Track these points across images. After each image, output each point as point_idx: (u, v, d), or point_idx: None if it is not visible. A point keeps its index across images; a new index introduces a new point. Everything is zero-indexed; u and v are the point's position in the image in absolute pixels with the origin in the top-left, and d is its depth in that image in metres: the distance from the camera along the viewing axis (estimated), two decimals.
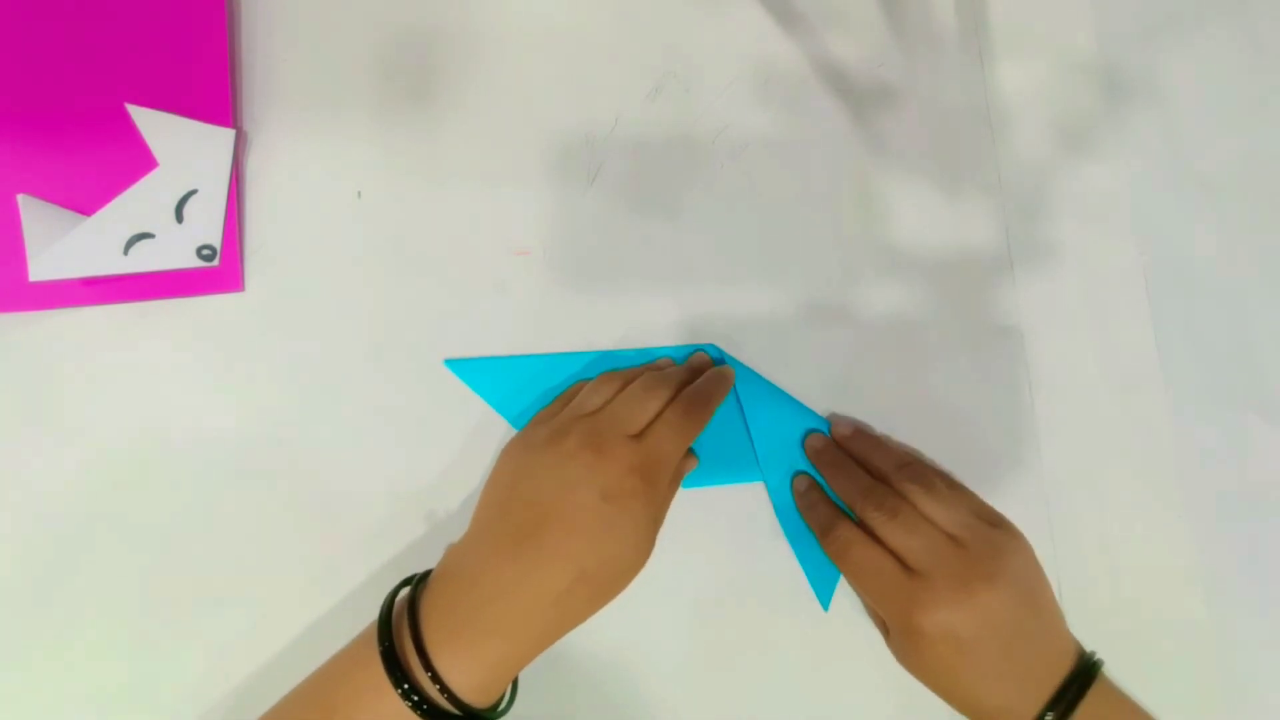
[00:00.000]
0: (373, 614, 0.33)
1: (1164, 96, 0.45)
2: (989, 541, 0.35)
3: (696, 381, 0.38)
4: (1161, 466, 0.42)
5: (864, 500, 0.37)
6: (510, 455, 0.36)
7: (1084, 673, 0.33)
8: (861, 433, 0.40)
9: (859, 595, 0.39)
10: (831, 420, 0.41)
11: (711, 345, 0.41)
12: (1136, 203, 0.44)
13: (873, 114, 0.44)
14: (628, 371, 0.39)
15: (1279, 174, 0.45)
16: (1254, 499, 0.42)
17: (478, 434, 0.39)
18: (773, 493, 0.40)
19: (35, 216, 0.37)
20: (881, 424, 0.41)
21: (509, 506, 0.34)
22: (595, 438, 0.34)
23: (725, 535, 0.40)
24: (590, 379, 0.39)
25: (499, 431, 0.40)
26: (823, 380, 0.41)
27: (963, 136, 0.44)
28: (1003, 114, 0.44)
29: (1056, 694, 0.32)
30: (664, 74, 0.43)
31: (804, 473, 0.40)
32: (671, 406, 0.36)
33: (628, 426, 0.34)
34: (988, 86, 0.44)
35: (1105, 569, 0.41)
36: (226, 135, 0.39)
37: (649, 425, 0.35)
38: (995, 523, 0.36)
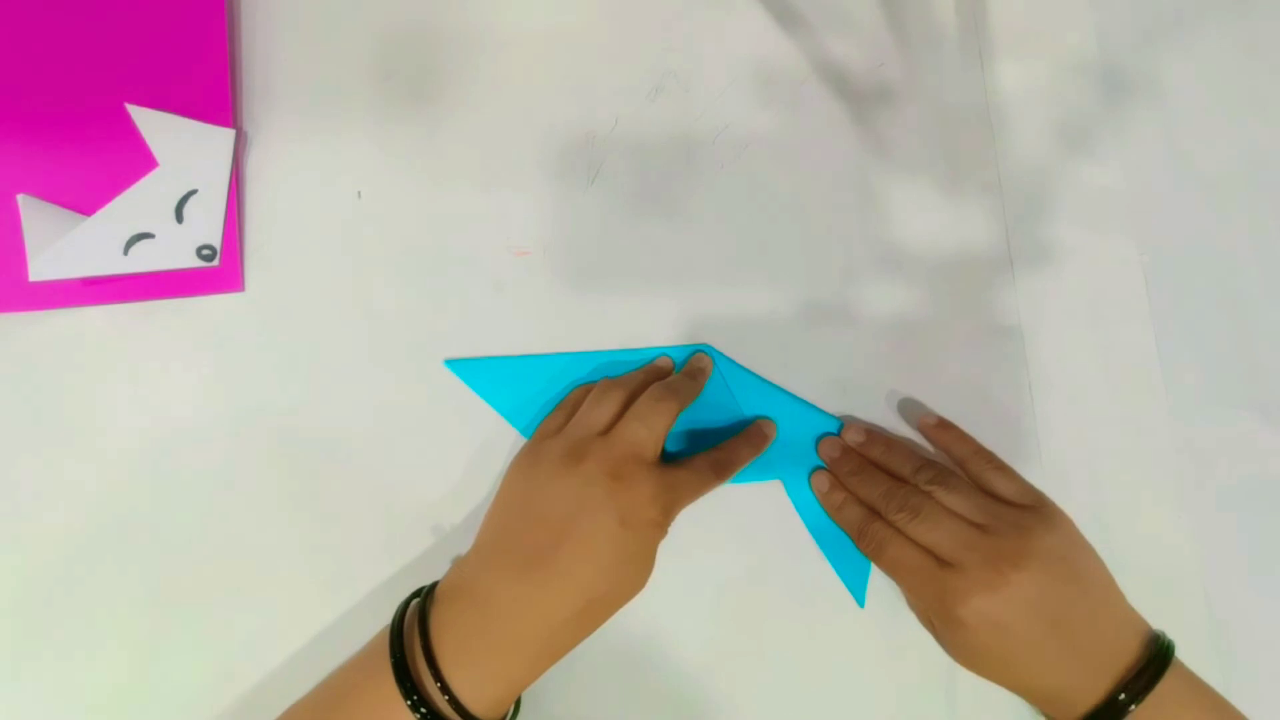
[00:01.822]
0: (377, 622, 0.34)
1: (1164, 96, 0.45)
2: (1015, 524, 0.35)
3: (734, 441, 0.38)
4: (1161, 466, 0.42)
5: (886, 503, 0.37)
6: (521, 472, 0.36)
7: (1158, 656, 0.33)
8: (875, 436, 0.40)
9: (903, 594, 0.39)
10: (844, 425, 0.40)
11: (706, 345, 0.41)
12: (1136, 203, 0.44)
13: (873, 114, 0.44)
14: (628, 379, 0.38)
15: (1279, 174, 0.45)
16: (1254, 498, 0.42)
17: (478, 435, 0.39)
18: (791, 492, 0.40)
19: (35, 216, 0.37)
20: (882, 425, 0.41)
21: (521, 525, 0.34)
22: (615, 463, 0.34)
23: (743, 531, 0.40)
24: (590, 382, 0.39)
25: (500, 434, 0.40)
26: (823, 380, 0.41)
27: (963, 136, 0.44)
28: (1003, 114, 0.44)
29: (1129, 677, 0.32)
30: (664, 74, 0.43)
31: (821, 469, 0.40)
32: (705, 456, 0.37)
33: (643, 449, 0.35)
34: (988, 86, 0.44)
35: None
36: (226, 135, 0.39)
37: (677, 465, 0.36)
38: (1027, 503, 0.36)
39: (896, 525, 0.36)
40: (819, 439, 0.40)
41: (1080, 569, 0.35)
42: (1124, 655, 0.33)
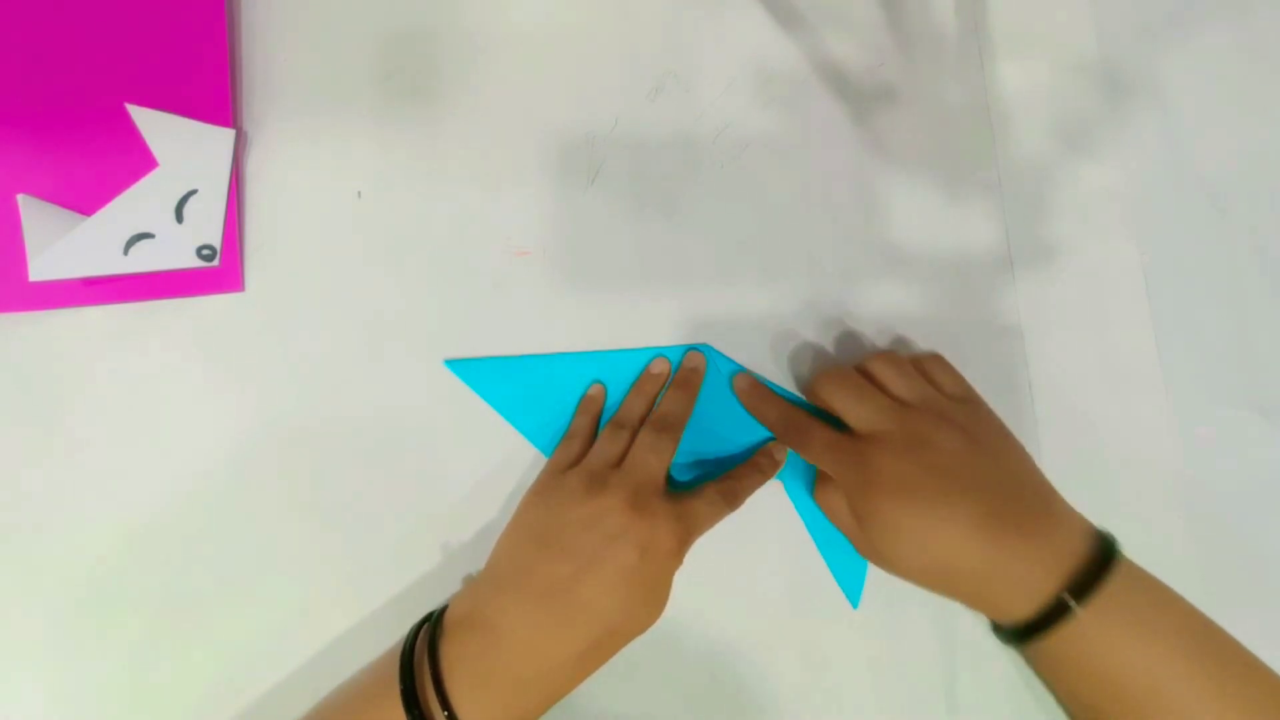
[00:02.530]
0: (381, 637, 0.34)
1: (1164, 96, 0.45)
2: (941, 405, 0.35)
3: (743, 468, 0.38)
4: (1161, 466, 0.42)
5: (824, 380, 0.37)
6: (538, 502, 0.36)
7: (1103, 553, 0.32)
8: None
9: (824, 491, 0.38)
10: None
11: (706, 345, 0.41)
12: (1136, 203, 0.44)
13: (873, 114, 0.44)
14: (629, 410, 0.39)
15: (1279, 174, 0.45)
16: (1254, 499, 0.42)
17: (479, 438, 0.39)
18: (790, 492, 0.40)
19: (35, 216, 0.37)
20: None
21: (538, 555, 0.34)
22: (633, 493, 0.34)
23: (743, 531, 0.40)
24: (588, 385, 0.40)
25: (502, 436, 0.40)
26: None
27: (963, 136, 0.44)
28: (1003, 114, 0.44)
29: (1074, 574, 0.31)
30: (664, 74, 0.43)
31: (742, 371, 0.40)
32: (716, 485, 0.37)
33: (657, 479, 0.35)
34: (988, 86, 0.44)
35: None
36: (226, 135, 0.39)
37: (691, 495, 0.36)
38: (961, 397, 0.36)
39: (826, 396, 0.36)
40: (733, 375, 0.40)
41: (1011, 454, 0.34)
42: (1068, 552, 0.32)
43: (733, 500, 0.37)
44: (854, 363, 0.39)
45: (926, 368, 0.37)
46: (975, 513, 0.32)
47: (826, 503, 0.38)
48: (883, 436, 0.34)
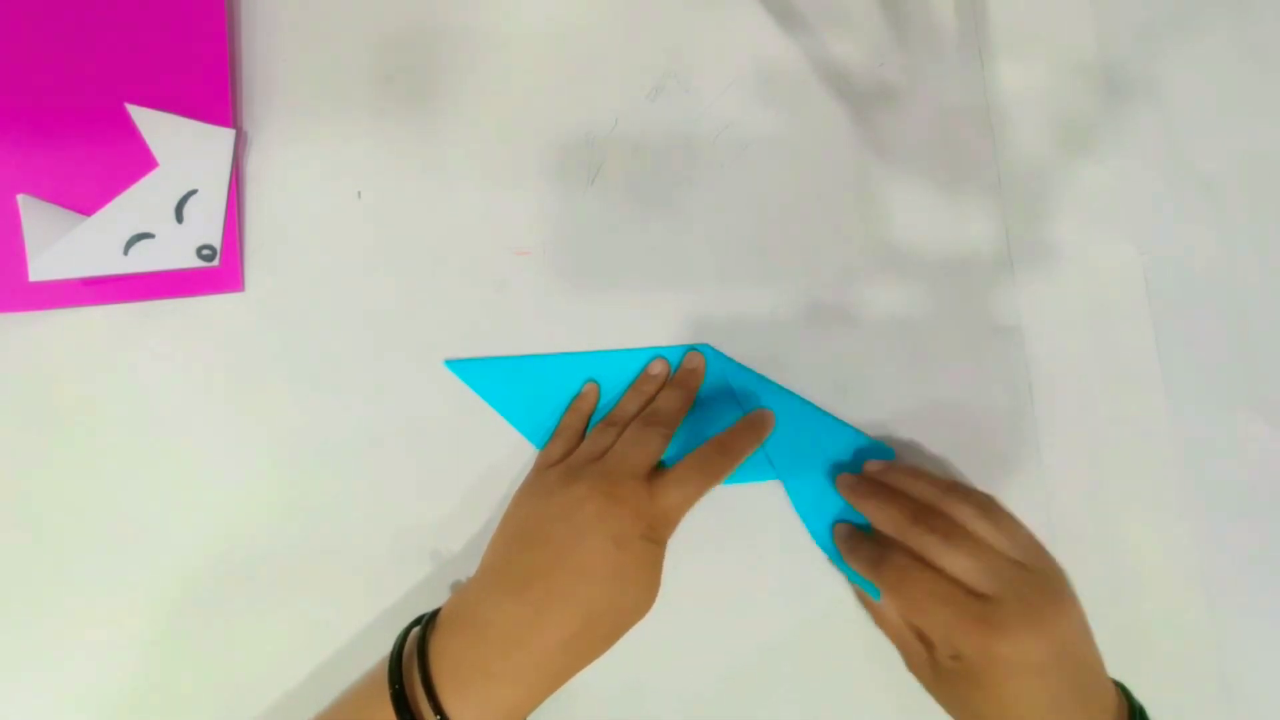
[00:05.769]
0: (373, 651, 0.34)
1: (1164, 96, 0.45)
2: (1051, 568, 0.34)
3: (723, 434, 0.37)
4: (1161, 466, 0.42)
5: (913, 525, 0.34)
6: (522, 499, 0.37)
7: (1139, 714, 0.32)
8: (896, 466, 0.39)
9: (900, 631, 0.37)
10: (865, 464, 0.40)
11: (705, 345, 0.41)
12: (1136, 203, 0.44)
13: (873, 114, 0.44)
14: (623, 410, 0.39)
15: (1279, 174, 0.45)
16: (1253, 499, 0.42)
17: (479, 438, 0.39)
18: (791, 491, 0.40)
19: (35, 216, 0.37)
20: (882, 425, 0.41)
21: (520, 549, 0.34)
22: (607, 483, 0.34)
23: (743, 531, 0.40)
24: (585, 385, 0.40)
25: (502, 436, 0.40)
26: (823, 380, 0.41)
27: (963, 136, 0.44)
28: (1003, 114, 0.44)
29: None
30: (664, 74, 0.43)
31: (844, 521, 0.39)
32: (688, 460, 0.35)
33: (637, 469, 0.35)
34: (988, 86, 0.44)
35: (1105, 569, 0.41)
36: (226, 135, 0.39)
37: (666, 471, 0.35)
38: (1044, 551, 0.35)
39: (925, 549, 0.34)
40: (837, 475, 0.39)
41: (1088, 625, 0.33)
42: (1109, 714, 0.32)
43: (713, 469, 0.35)
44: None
45: (994, 516, 0.35)
46: (1076, 693, 0.32)
47: (895, 632, 0.37)
48: (1003, 601, 0.32)
